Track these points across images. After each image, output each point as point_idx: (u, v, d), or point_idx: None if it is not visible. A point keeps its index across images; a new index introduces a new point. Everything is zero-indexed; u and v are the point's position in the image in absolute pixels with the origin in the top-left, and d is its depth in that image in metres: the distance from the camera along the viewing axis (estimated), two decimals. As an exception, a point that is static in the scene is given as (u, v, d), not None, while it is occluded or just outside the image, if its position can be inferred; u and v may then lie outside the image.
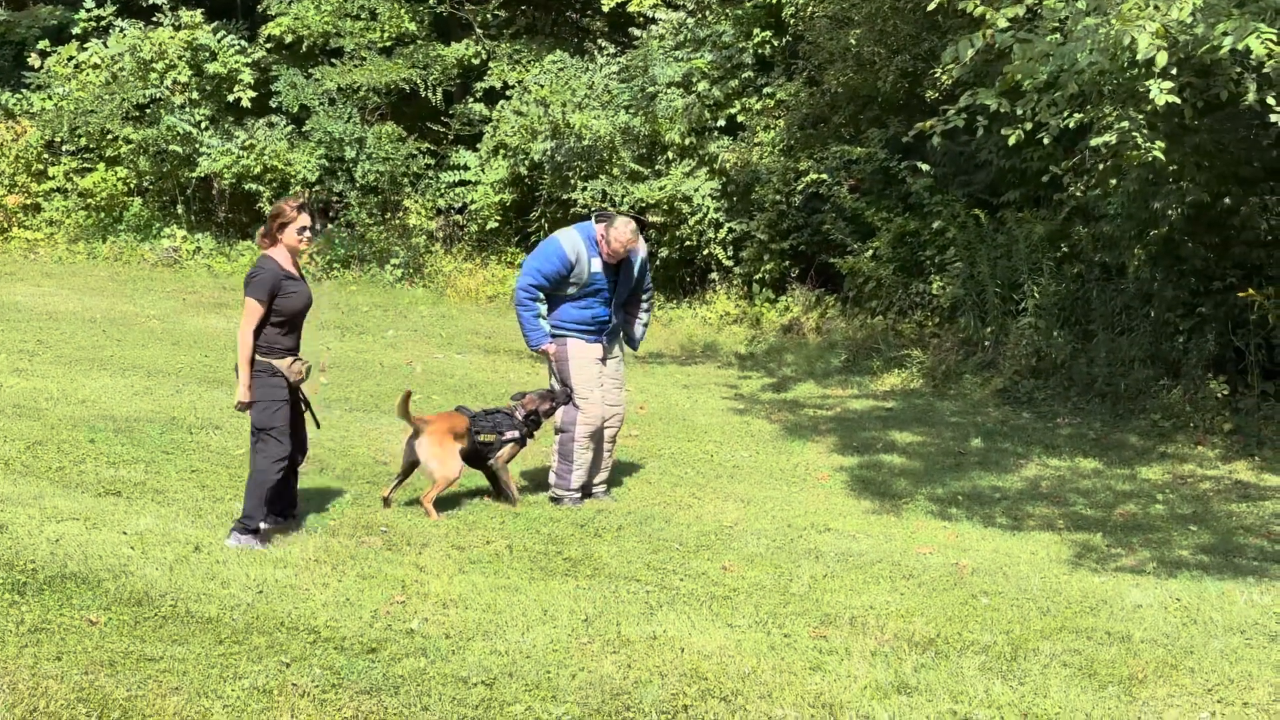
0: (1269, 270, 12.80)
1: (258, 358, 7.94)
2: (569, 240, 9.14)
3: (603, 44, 19.20)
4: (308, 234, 8.09)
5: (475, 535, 8.48)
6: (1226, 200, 13.17)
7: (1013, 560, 8.61)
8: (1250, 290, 12.60)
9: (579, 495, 9.32)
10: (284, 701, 5.90)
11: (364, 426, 11.28)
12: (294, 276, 8.02)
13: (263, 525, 8.07)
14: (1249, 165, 13.02)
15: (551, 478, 9.37)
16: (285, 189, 19.52)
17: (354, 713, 5.85)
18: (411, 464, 9.10)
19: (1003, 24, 9.38)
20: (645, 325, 9.79)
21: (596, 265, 9.10)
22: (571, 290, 9.15)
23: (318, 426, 8.64)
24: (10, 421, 10.35)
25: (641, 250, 9.44)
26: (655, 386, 13.77)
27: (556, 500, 9.29)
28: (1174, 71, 8.58)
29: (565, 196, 18.09)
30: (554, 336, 9.25)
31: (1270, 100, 8.73)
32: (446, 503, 9.23)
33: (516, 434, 9.25)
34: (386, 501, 9.03)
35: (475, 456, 9.24)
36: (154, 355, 13.63)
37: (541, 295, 9.19)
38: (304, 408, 8.35)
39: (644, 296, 9.65)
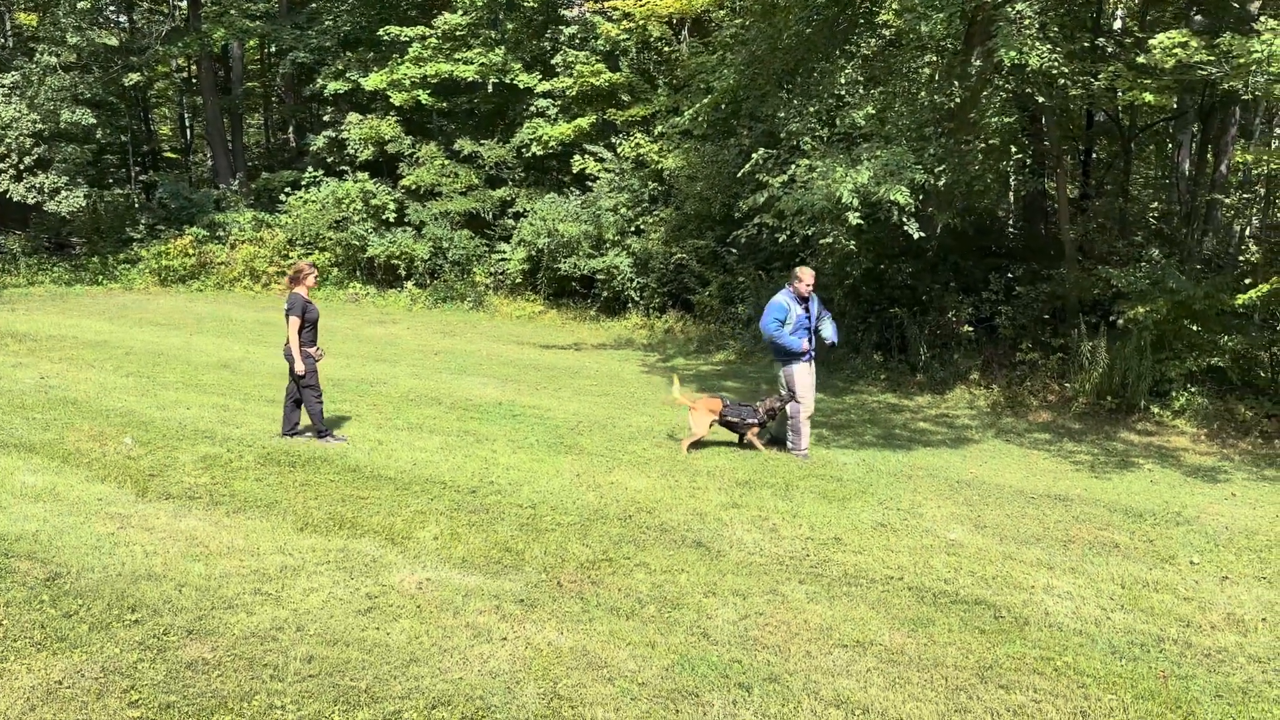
0: (902, 301, 13.16)
1: (302, 349, 7.76)
2: (782, 298, 7.93)
3: (573, 189, 19.22)
4: (312, 279, 7.88)
5: (519, 435, 8.50)
6: (882, 266, 13.47)
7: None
8: (894, 309, 12.96)
9: (805, 451, 8.06)
10: (430, 517, 6.02)
11: (457, 382, 11.13)
12: (310, 302, 7.81)
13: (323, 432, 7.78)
14: (893, 249, 13.34)
15: (789, 444, 8.06)
16: (413, 264, 19.33)
17: (466, 521, 5.96)
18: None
19: (776, 184, 9.61)
20: (832, 326, 8.16)
21: (798, 308, 7.91)
22: (788, 328, 7.90)
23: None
24: (349, 392, 10.17)
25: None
26: (606, 359, 13.86)
27: (801, 455, 7.99)
28: (858, 205, 8.84)
29: (555, 267, 18.08)
30: (790, 362, 8.01)
31: (903, 220, 9.04)
32: (632, 439, 9.16)
33: (756, 420, 8.13)
34: (697, 444, 8.10)
35: (729, 427, 8.20)
36: (357, 348, 13.49)
37: (781, 327, 7.89)
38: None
39: (826, 314, 8.18)
